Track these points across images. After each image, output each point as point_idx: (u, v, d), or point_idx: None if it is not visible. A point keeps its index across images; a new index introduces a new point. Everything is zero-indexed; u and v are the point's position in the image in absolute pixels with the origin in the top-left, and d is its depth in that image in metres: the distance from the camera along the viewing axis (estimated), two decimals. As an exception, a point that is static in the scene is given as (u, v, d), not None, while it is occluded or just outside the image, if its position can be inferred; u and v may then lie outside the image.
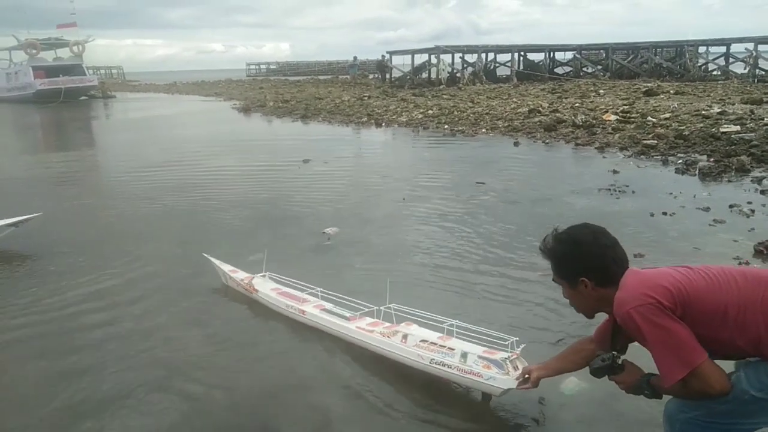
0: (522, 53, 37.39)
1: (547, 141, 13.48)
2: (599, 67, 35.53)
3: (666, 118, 14.31)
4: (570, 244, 2.34)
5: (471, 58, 34.87)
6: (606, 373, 2.45)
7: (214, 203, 8.71)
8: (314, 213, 7.90)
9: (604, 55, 36.39)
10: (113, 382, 3.81)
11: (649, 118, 14.52)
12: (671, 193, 8.17)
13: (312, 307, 4.36)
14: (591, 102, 18.97)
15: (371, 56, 53.90)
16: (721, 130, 12.18)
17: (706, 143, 11.38)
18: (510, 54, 35.90)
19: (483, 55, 35.44)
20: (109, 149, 17.25)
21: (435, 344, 3.50)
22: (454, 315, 4.50)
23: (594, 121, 14.68)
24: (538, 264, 5.64)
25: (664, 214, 7.18)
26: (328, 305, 4.37)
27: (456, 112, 18.77)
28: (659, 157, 10.82)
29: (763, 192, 8.04)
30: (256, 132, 19.26)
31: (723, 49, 31.98)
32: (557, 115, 16.20)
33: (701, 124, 13.18)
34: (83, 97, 41.38)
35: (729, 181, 8.85)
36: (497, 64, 38.51)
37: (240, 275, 5.09)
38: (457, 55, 34.82)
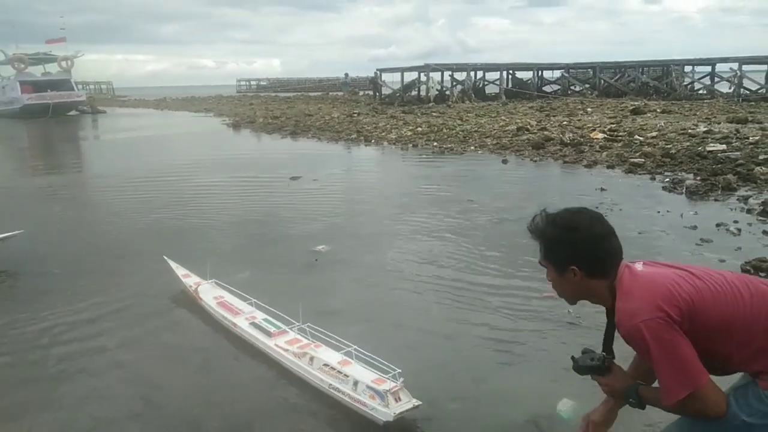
0: (511, 71, 37.78)
1: (535, 159, 13.53)
2: (587, 85, 35.93)
3: (653, 137, 14.44)
4: (564, 229, 2.17)
5: (460, 76, 35.14)
6: (591, 372, 2.35)
7: (201, 220, 8.63)
8: (302, 230, 7.84)
9: (591, 73, 36.83)
10: (85, 406, 3.72)
11: (636, 136, 14.64)
12: (659, 212, 8.19)
13: (243, 320, 4.50)
14: (579, 120, 19.13)
15: (361, 73, 54.40)
16: (708, 148, 12.29)
17: (693, 162, 11.47)
18: (499, 72, 36.25)
19: (472, 73, 35.73)
20: (95, 164, 17.13)
21: (334, 369, 3.63)
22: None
23: (582, 139, 14.78)
24: (524, 286, 5.62)
25: (652, 232, 7.19)
26: (260, 318, 4.48)
27: (445, 130, 18.83)
28: (646, 175, 10.88)
29: (749, 211, 8.07)
30: (246, 148, 19.19)
31: (708, 68, 32.46)
32: (545, 133, 16.30)
33: (688, 143, 13.30)
34: (74, 112, 41.25)
35: (716, 199, 8.89)
36: (486, 82, 38.84)
37: (190, 281, 5.26)
38: (447, 73, 35.09)
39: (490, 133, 17.52)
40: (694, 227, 7.31)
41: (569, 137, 14.99)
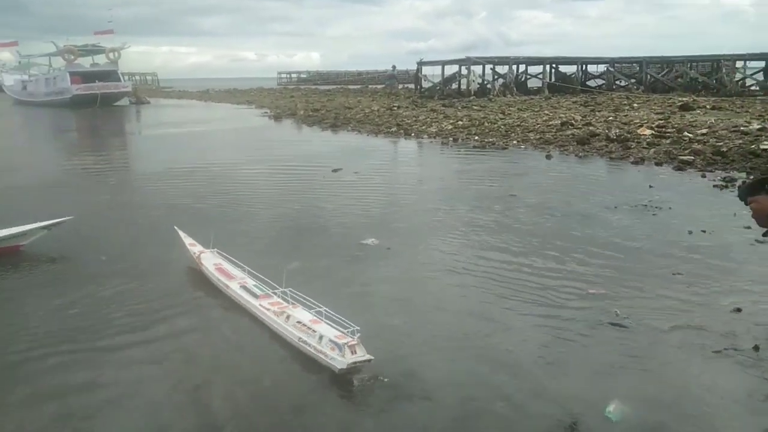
0: (554, 65, 37.09)
1: (580, 154, 13.27)
2: (633, 80, 35.06)
3: (703, 134, 13.99)
4: None
5: (502, 69, 34.69)
6: (754, 186, 2.13)
7: (246, 210, 8.72)
8: (345, 222, 7.85)
9: (637, 68, 35.90)
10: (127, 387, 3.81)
11: (686, 133, 14.21)
12: (710, 211, 7.93)
13: (235, 284, 5.16)
14: (625, 116, 18.66)
15: (400, 66, 53.77)
16: (762, 146, 11.85)
17: (746, 160, 11.08)
18: (541, 66, 35.66)
19: (514, 67, 35.25)
20: (140, 153, 17.49)
21: (305, 326, 4.22)
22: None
23: (628, 135, 14.42)
24: (569, 283, 5.51)
25: (703, 231, 6.97)
26: (250, 283, 5.11)
27: (486, 124, 18.63)
28: (697, 173, 10.56)
29: (807, 211, 7.74)
30: (287, 140, 19.34)
31: (762, 63, 31.26)
32: (590, 128, 15.96)
33: (740, 141, 12.84)
34: (125, 101, 42.26)
35: (771, 199, 8.55)
36: (528, 76, 38.26)
37: (195, 249, 5.91)
38: (488, 67, 34.68)
39: (533, 127, 17.26)
40: (748, 227, 7.03)
41: (615, 133, 14.65)
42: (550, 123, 17.70)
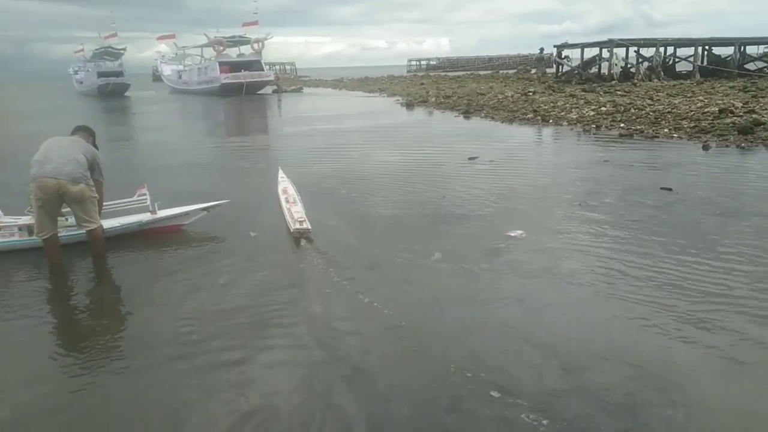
0: (707, 47, 34.07)
1: (742, 145, 12.07)
2: (802, 62, 31.37)
3: None
4: None
5: (647, 52, 32.46)
6: None
7: (384, 196, 8.82)
8: (485, 213, 7.69)
9: (808, 48, 32.05)
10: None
11: None
12: None
13: (284, 197, 7.91)
14: (795, 102, 16.71)
15: (532, 51, 52.22)
16: None
17: None
18: (692, 48, 32.91)
19: (661, 49, 32.83)
20: (284, 141, 18.29)
21: (293, 217, 6.78)
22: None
23: (801, 124, 12.89)
24: (747, 285, 4.99)
25: None
26: (292, 197, 7.74)
27: (633, 110, 17.50)
28: None
29: None
30: (420, 127, 19.41)
31: None
32: (754, 116, 14.47)
33: None
34: (269, 90, 44.63)
35: None
36: (677, 59, 35.48)
37: (280, 178, 8.90)
38: (632, 49, 32.59)
39: (687, 114, 15.96)
40: None
41: (785, 121, 13.15)
42: (706, 110, 16.26)
